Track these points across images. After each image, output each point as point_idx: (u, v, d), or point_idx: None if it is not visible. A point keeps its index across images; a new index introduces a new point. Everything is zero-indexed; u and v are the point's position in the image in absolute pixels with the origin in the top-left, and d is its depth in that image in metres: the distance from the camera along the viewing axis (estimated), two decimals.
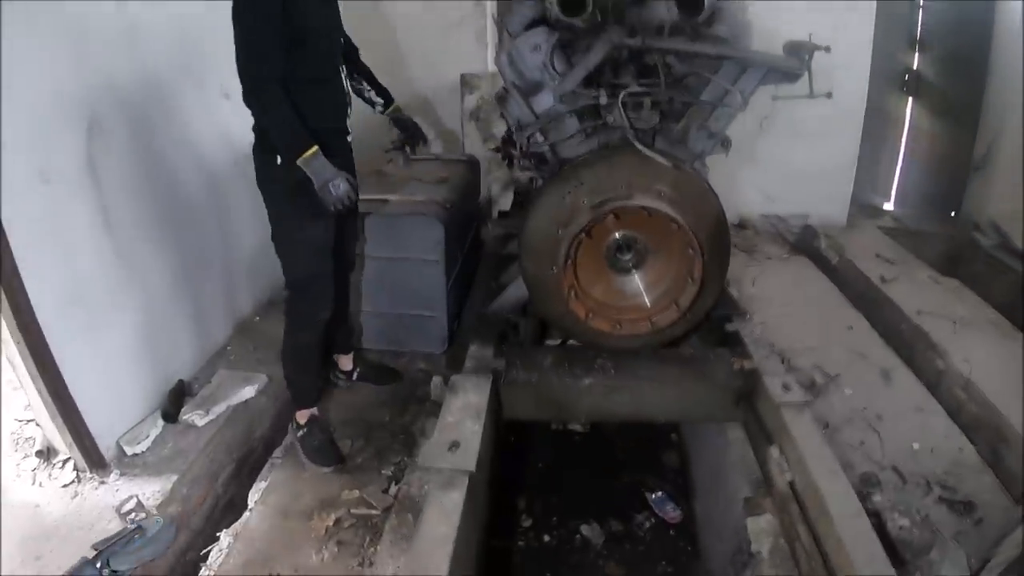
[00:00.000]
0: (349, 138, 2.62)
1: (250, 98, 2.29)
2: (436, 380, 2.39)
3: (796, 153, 4.34)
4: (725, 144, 2.57)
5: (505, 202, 3.29)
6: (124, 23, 2.73)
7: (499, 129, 4.28)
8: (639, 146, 2.21)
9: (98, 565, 2.22)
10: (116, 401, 2.77)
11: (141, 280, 2.86)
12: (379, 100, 2.90)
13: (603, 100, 2.33)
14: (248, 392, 3.02)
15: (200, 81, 3.21)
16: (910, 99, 4.85)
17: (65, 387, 2.52)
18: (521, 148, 2.46)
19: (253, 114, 2.36)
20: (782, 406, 2.38)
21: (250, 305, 3.63)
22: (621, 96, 2.31)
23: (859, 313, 3.73)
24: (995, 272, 4.41)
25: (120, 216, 2.72)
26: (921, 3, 4.76)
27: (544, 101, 2.43)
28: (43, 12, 2.32)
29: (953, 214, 5.03)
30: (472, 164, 3.69)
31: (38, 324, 2.39)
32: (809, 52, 2.45)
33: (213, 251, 3.33)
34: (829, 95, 2.49)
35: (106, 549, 2.27)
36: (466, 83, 4.41)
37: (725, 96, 2.45)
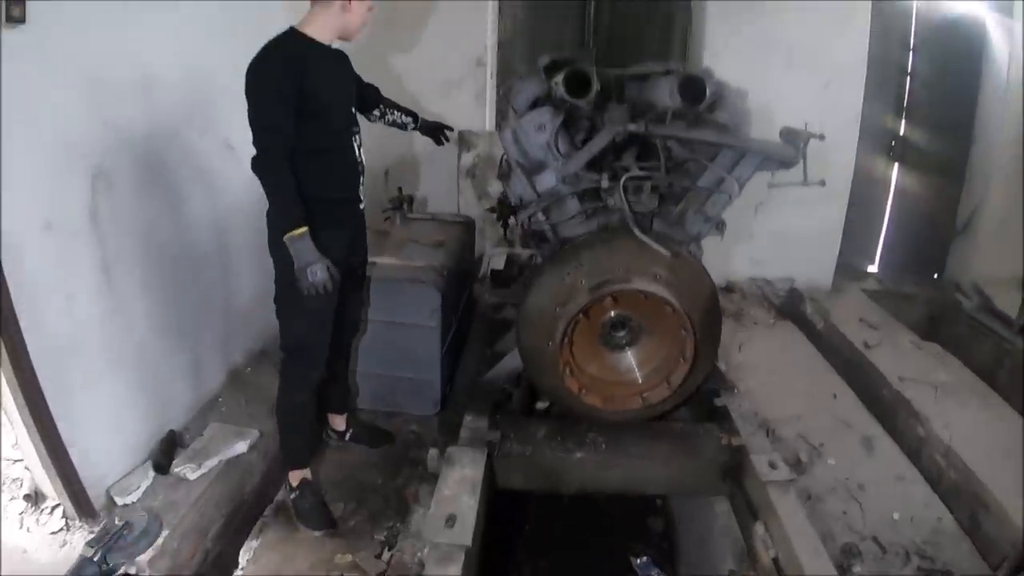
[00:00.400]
0: (361, 206, 2.68)
1: (257, 167, 2.35)
2: (433, 452, 2.43)
3: (784, 220, 4.45)
4: (720, 227, 2.66)
5: (498, 262, 3.35)
6: (139, 74, 2.76)
7: (494, 188, 4.38)
8: (638, 233, 2.29)
9: (96, 559, 2.30)
10: (108, 450, 2.77)
11: (140, 331, 2.88)
12: (408, 120, 3.01)
13: (605, 184, 2.41)
14: (240, 447, 3.04)
15: (205, 131, 3.24)
16: (896, 164, 4.98)
17: (59, 437, 2.53)
18: (523, 226, 2.53)
19: (261, 183, 2.42)
20: (768, 484, 2.45)
21: (243, 355, 3.66)
22: (622, 180, 2.39)
23: (843, 380, 3.81)
24: (976, 335, 4.54)
25: (122, 267, 2.75)
26: (909, 71, 4.90)
27: (547, 180, 2.51)
28: (60, 58, 2.34)
29: (936, 276, 5.17)
30: (468, 226, 3.75)
31: (34, 373, 2.40)
32: (804, 140, 2.54)
33: (213, 302, 3.37)
34: (822, 183, 2.57)
35: (102, 545, 2.35)
36: (464, 141, 4.50)
37: (722, 183, 2.53)
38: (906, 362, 3.87)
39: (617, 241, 2.48)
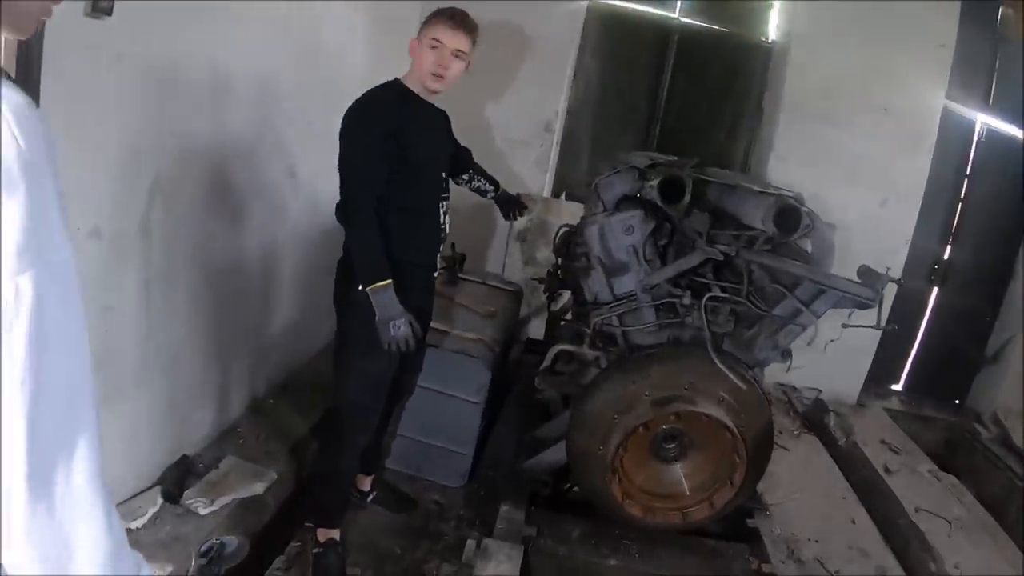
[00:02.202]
0: (436, 273, 2.68)
1: (343, 216, 2.35)
2: (470, 544, 2.42)
3: (822, 331, 4.47)
4: (786, 355, 2.68)
5: (537, 330, 3.35)
6: (205, 82, 2.69)
7: (542, 254, 4.38)
8: (715, 357, 2.30)
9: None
10: (116, 470, 2.68)
11: (171, 351, 2.83)
12: (490, 188, 3.00)
13: (686, 301, 2.42)
14: (257, 488, 2.99)
15: (268, 155, 3.22)
16: (936, 288, 5.05)
17: None
18: (594, 327, 2.53)
19: (345, 231, 2.41)
20: None
21: (265, 386, 3.62)
22: (704, 300, 2.40)
23: (861, 502, 3.84)
24: (991, 467, 4.61)
25: (164, 283, 2.70)
26: (962, 196, 4.98)
27: (626, 284, 2.52)
28: (129, 58, 2.23)
29: (958, 403, 5.23)
30: (517, 295, 3.75)
31: None
32: (883, 283, 2.57)
33: (247, 329, 3.34)
34: (895, 328, 2.60)
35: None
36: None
37: (799, 315, 2.55)
38: (924, 492, 3.92)
39: (688, 359, 2.50)
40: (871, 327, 2.58)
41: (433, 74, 2.36)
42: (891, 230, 4.49)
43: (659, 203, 2.48)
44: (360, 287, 2.33)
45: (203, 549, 2.48)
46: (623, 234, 2.49)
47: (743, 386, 2.34)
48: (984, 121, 4.88)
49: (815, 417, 4.56)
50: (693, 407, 2.40)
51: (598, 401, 2.52)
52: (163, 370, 2.81)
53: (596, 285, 2.55)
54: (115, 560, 0.94)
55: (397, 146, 2.32)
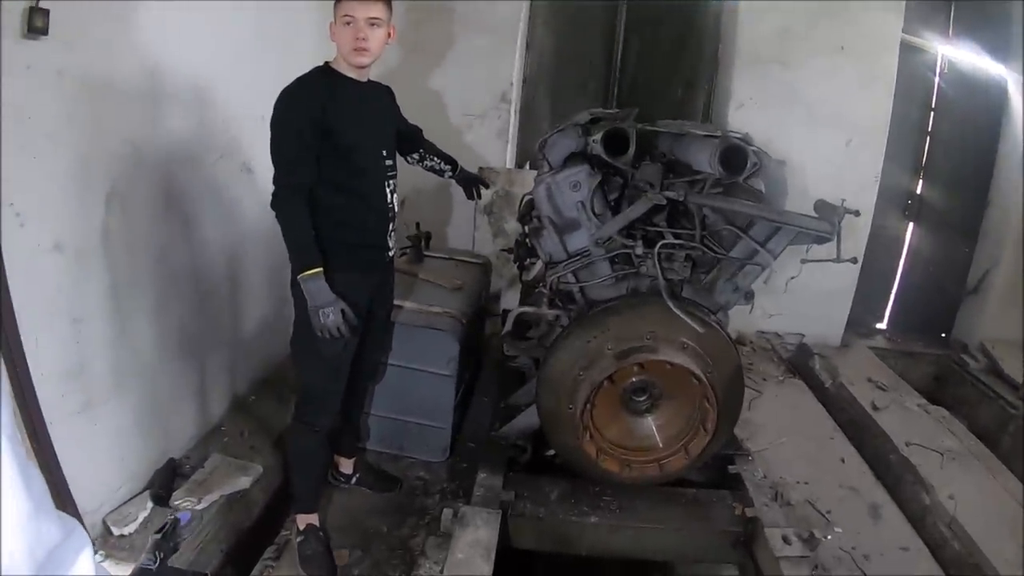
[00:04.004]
0: (389, 253, 2.60)
1: (274, 202, 2.28)
2: (447, 512, 2.37)
3: (785, 270, 4.41)
4: (749, 297, 2.61)
5: (510, 300, 3.28)
6: (149, 88, 2.66)
7: (510, 226, 4.31)
8: (672, 305, 2.23)
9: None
10: (105, 477, 2.69)
11: (146, 356, 2.80)
12: (447, 167, 2.93)
13: (639, 250, 2.35)
14: (243, 482, 2.96)
15: (222, 153, 3.17)
16: (911, 223, 4.96)
17: (57, 464, 2.42)
18: (551, 287, 2.47)
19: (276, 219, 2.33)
20: (781, 559, 2.42)
21: (247, 383, 3.58)
22: (657, 248, 2.33)
23: (851, 442, 3.78)
24: (981, 397, 4.57)
25: (131, 290, 2.67)
26: (929, 130, 4.89)
27: (578, 240, 2.45)
28: (69, 72, 2.23)
29: (944, 336, 5.15)
30: (486, 267, 3.68)
31: (36, 397, 2.30)
32: (840, 216, 2.49)
33: (220, 328, 3.29)
34: (855, 260, 2.53)
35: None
36: (483, 177, 4.42)
37: (756, 254, 2.48)
38: (913, 426, 3.85)
39: (646, 308, 2.43)
40: (830, 260, 2.50)
41: (354, 49, 2.29)
42: (858, 169, 4.40)
43: (604, 157, 2.41)
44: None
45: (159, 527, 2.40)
46: (570, 191, 2.42)
47: (702, 330, 2.27)
48: (945, 53, 4.77)
49: (800, 362, 4.50)
50: (656, 356, 2.33)
51: (561, 360, 2.46)
52: (140, 376, 2.79)
53: (549, 244, 2.48)
54: (35, 521, 0.90)
55: (326, 130, 2.25)
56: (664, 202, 2.23)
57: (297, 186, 2.26)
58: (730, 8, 4.56)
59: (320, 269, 2.25)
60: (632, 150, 2.42)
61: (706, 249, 2.43)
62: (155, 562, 2.09)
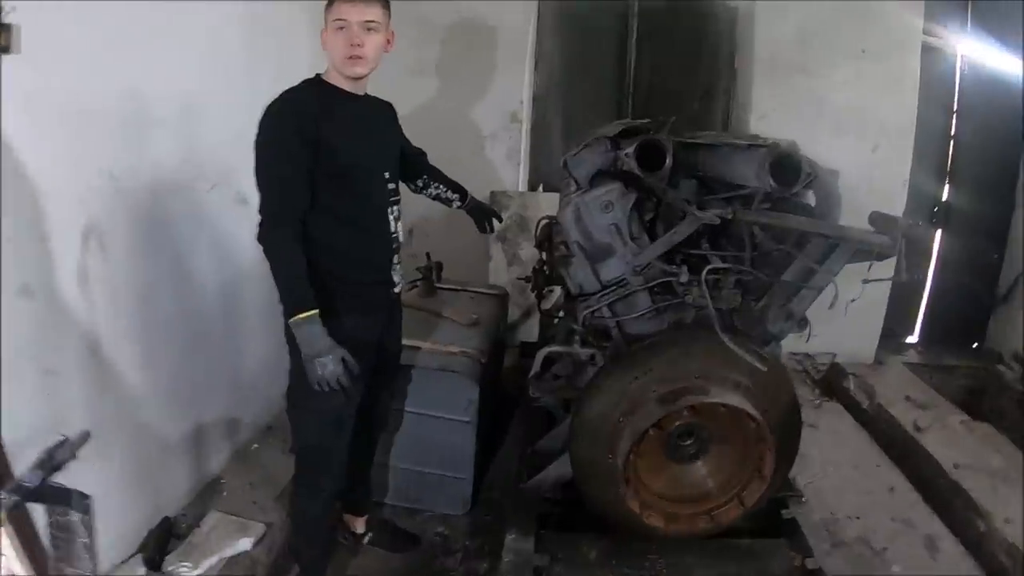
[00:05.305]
0: (396, 289, 2.23)
1: (261, 235, 1.92)
2: None
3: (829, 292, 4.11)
4: (802, 325, 2.25)
5: (527, 331, 2.92)
6: (132, 112, 2.33)
7: (525, 252, 3.96)
8: (725, 339, 1.87)
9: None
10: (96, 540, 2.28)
11: (133, 408, 2.45)
12: (454, 196, 2.57)
13: (683, 278, 2.00)
14: (244, 544, 2.59)
15: (213, 183, 2.82)
16: (939, 231, 4.62)
17: (33, 529, 2.07)
18: (584, 322, 2.11)
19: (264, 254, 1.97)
20: None
21: (249, 431, 3.22)
22: (704, 274, 1.97)
23: (896, 468, 3.46)
24: (1020, 407, 4.19)
25: (114, 337, 2.32)
26: (952, 134, 4.56)
27: (613, 269, 2.11)
28: (45, 91, 1.93)
29: (976, 346, 4.83)
30: (502, 299, 3.30)
31: (6, 459, 1.93)
32: (902, 229, 2.15)
33: (217, 373, 2.93)
34: (918, 276, 2.19)
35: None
36: (496, 201, 4.07)
37: (811, 276, 2.13)
38: (958, 446, 3.52)
39: (693, 343, 2.08)
40: (892, 279, 2.15)
41: (349, 57, 1.94)
42: (887, 176, 4.08)
43: (638, 172, 2.06)
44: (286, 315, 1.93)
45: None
46: (601, 212, 2.08)
47: (763, 367, 1.91)
48: (964, 52, 4.45)
49: (834, 383, 4.15)
50: (707, 398, 1.97)
51: (598, 404, 2.10)
52: (125, 430, 2.43)
53: (579, 274, 2.13)
54: None
55: (319, 149, 1.90)
56: (717, 222, 1.87)
57: (288, 215, 1.90)
58: (746, 7, 4.26)
59: (315, 312, 1.88)
60: (669, 163, 2.07)
61: (757, 273, 2.08)
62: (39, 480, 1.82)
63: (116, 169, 2.26)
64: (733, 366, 2.04)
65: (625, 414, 2.04)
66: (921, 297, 4.70)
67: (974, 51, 4.43)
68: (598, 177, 2.20)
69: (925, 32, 4.19)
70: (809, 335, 2.23)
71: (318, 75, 2.04)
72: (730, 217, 1.96)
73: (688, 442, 2.20)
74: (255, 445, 3.17)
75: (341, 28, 1.92)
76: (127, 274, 2.37)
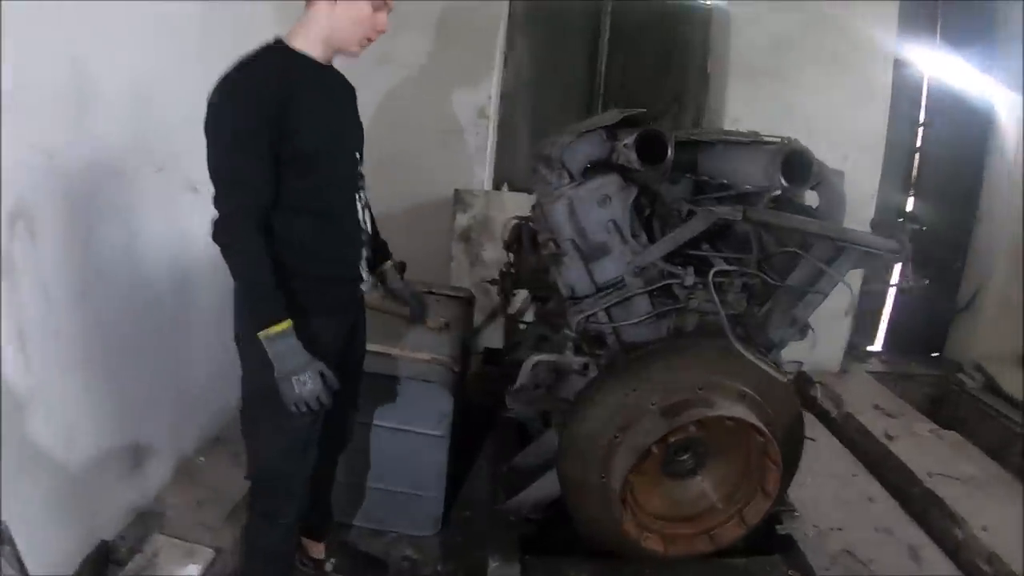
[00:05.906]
0: (364, 287, 1.96)
1: (217, 234, 1.65)
2: None
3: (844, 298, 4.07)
4: (804, 331, 2.10)
5: (494, 338, 2.70)
6: (79, 86, 2.05)
7: (489, 253, 3.76)
8: (741, 348, 1.69)
9: None
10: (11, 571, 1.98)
11: (64, 418, 2.16)
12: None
13: (688, 281, 1.81)
14: (191, 571, 2.31)
15: (161, 168, 2.53)
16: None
17: None
18: (577, 328, 1.89)
19: (222, 255, 1.68)
20: None
21: (195, 442, 2.91)
22: (711, 276, 1.78)
23: (871, 476, 3.42)
24: (983, 416, 4.26)
25: (44, 336, 2.04)
26: (918, 147, 4.56)
27: (609, 269, 1.91)
28: None
29: (936, 355, 4.85)
30: (469, 302, 3.06)
31: None
32: (907, 232, 2.04)
33: (161, 379, 2.62)
34: (926, 282, 2.10)
35: None
36: (460, 200, 3.86)
37: (819, 280, 1.98)
38: (930, 454, 3.54)
39: (697, 352, 1.89)
40: (899, 285, 2.03)
41: (368, 40, 1.76)
42: (856, 186, 3.93)
43: (636, 165, 1.87)
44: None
45: None
46: (598, 207, 1.88)
47: (781, 377, 1.74)
48: (932, 65, 4.45)
49: (802, 392, 4.08)
50: (713, 411, 1.79)
51: (592, 419, 1.89)
52: (55, 443, 2.13)
53: (572, 275, 1.92)
54: None
55: (287, 135, 1.63)
56: (739, 217, 1.69)
57: (250, 209, 1.62)
58: (720, 12, 4.16)
59: (289, 324, 1.62)
60: (670, 157, 1.89)
61: (765, 276, 1.91)
62: None
63: (50, 145, 1.98)
64: (738, 377, 1.87)
65: (622, 429, 1.84)
66: (883, 305, 4.69)
67: (941, 63, 4.44)
68: (590, 170, 2.00)
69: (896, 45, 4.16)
70: (815, 344, 2.07)
71: (279, 39, 1.75)
72: (739, 217, 1.79)
73: (684, 456, 2.02)
74: (201, 458, 2.87)
75: (379, 9, 1.73)
76: (60, 265, 2.09)
